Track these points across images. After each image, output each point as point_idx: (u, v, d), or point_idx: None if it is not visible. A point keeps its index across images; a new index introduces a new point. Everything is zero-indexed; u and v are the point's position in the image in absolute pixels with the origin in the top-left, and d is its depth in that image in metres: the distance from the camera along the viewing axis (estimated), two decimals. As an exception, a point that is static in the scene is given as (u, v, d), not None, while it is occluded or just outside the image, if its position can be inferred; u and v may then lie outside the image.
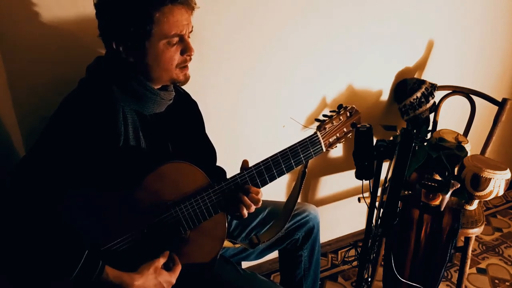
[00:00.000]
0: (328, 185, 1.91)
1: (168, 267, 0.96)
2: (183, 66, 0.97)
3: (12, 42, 1.03)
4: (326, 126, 1.07)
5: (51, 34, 1.07)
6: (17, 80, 1.07)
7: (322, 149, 1.07)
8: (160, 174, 0.94)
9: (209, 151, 1.21)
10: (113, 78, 0.93)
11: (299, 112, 1.64)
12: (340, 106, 1.12)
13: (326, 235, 2.06)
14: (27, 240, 0.82)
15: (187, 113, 1.15)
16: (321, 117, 1.10)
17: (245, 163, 1.03)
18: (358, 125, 1.10)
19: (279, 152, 1.03)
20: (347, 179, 1.92)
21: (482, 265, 1.99)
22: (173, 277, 0.95)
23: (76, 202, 0.88)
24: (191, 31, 0.96)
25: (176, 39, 0.92)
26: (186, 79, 0.99)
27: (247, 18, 1.36)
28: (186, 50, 0.95)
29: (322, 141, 1.07)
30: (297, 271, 1.39)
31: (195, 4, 0.94)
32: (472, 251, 1.93)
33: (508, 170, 1.41)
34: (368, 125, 1.07)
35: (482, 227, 1.49)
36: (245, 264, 1.59)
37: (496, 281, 1.89)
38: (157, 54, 0.91)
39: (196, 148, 1.13)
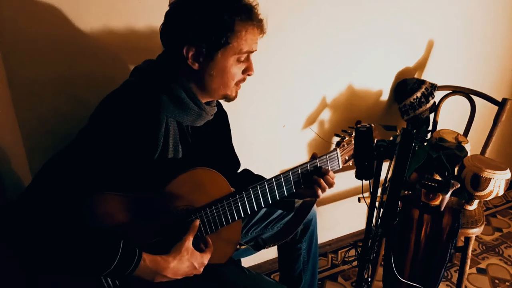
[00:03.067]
0: (328, 185, 1.91)
1: (200, 249, 0.97)
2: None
3: (12, 42, 1.03)
4: (344, 143, 1.09)
5: (51, 34, 1.07)
6: (17, 80, 1.07)
7: (339, 166, 1.09)
8: (185, 179, 0.94)
9: (234, 161, 1.23)
10: (163, 86, 0.93)
11: (299, 112, 1.64)
12: (358, 123, 1.13)
13: (326, 235, 2.06)
14: (64, 237, 0.80)
15: (220, 124, 1.16)
16: (333, 130, 1.12)
17: (315, 154, 1.09)
18: (358, 125, 1.10)
19: (299, 166, 1.04)
20: (347, 179, 1.92)
21: (482, 265, 1.99)
22: (205, 258, 0.95)
23: (103, 204, 0.87)
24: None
25: (244, 57, 0.95)
26: (236, 96, 1.02)
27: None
28: (248, 69, 0.98)
29: (340, 158, 1.08)
30: (296, 265, 1.40)
31: (266, 31, 0.98)
32: (472, 251, 1.93)
33: (508, 170, 1.41)
34: (368, 125, 1.06)
35: (482, 227, 1.49)
36: (245, 264, 1.59)
37: (496, 281, 1.89)
38: (224, 67, 0.93)
39: (222, 158, 1.14)
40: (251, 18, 0.92)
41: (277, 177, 1.02)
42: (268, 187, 1.01)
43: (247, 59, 0.98)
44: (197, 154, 1.03)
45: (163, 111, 0.93)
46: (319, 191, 1.05)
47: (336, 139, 1.13)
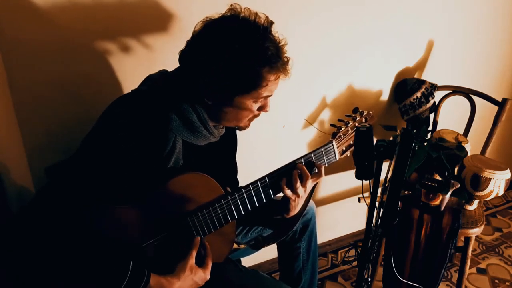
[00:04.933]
0: (328, 185, 1.91)
1: (200, 258, 0.96)
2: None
3: (12, 42, 1.03)
4: (341, 134, 1.06)
5: (51, 34, 1.07)
6: (17, 80, 1.07)
7: (335, 158, 1.07)
8: (176, 184, 0.93)
9: (232, 181, 1.21)
10: (175, 105, 0.90)
11: (299, 112, 1.64)
12: (355, 110, 1.11)
13: (326, 235, 2.06)
14: (73, 257, 0.79)
15: (226, 141, 1.13)
16: (332, 121, 1.09)
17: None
18: (358, 125, 1.10)
19: (292, 162, 1.02)
20: (347, 179, 1.92)
21: (482, 265, 1.99)
22: (207, 274, 0.95)
23: (99, 213, 0.86)
24: None
25: (262, 99, 0.93)
26: (249, 126, 1.01)
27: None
28: (263, 107, 0.97)
29: (336, 150, 1.06)
30: (296, 264, 1.40)
31: (290, 73, 0.95)
32: (472, 251, 1.93)
33: (508, 170, 1.41)
34: (368, 125, 1.06)
35: (482, 227, 1.49)
36: (245, 264, 1.59)
37: (496, 281, 1.89)
38: (240, 108, 0.92)
39: (221, 176, 1.13)
40: (275, 68, 0.88)
41: (270, 174, 1.01)
42: (261, 185, 1.00)
43: (265, 99, 0.95)
44: (199, 166, 1.02)
45: (172, 131, 0.91)
46: (285, 188, 0.98)
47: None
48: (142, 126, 0.87)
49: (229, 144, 1.18)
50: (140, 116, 0.87)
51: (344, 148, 1.08)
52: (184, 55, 0.92)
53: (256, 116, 0.99)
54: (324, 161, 1.05)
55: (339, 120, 1.10)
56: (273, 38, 0.89)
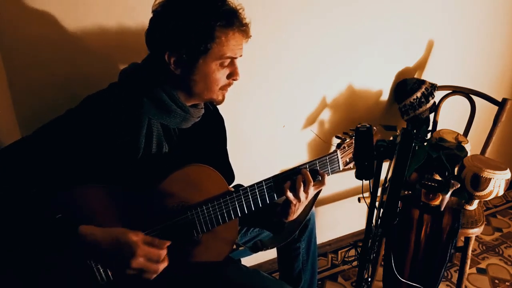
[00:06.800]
0: (328, 185, 1.90)
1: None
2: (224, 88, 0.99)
3: (12, 42, 1.03)
4: (345, 145, 1.08)
5: (51, 34, 1.07)
6: (17, 80, 1.07)
7: (339, 168, 1.09)
8: (181, 176, 0.94)
9: (227, 172, 1.21)
10: (146, 90, 0.93)
11: (299, 112, 1.64)
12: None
13: (326, 235, 2.06)
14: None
15: (212, 129, 1.15)
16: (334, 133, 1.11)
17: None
18: (358, 125, 1.10)
19: (297, 167, 1.03)
20: (347, 179, 1.92)
21: (482, 265, 1.99)
22: (160, 263, 0.83)
23: (92, 198, 0.87)
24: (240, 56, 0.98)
25: (227, 62, 0.95)
26: (223, 99, 1.01)
27: (247, 18, 1.35)
28: (233, 74, 0.98)
29: (340, 160, 1.07)
30: (296, 264, 1.40)
31: (251, 35, 0.97)
32: (472, 251, 1.93)
33: (508, 170, 1.41)
34: (368, 125, 1.06)
35: (482, 227, 1.49)
36: (245, 264, 1.59)
37: (496, 281, 1.89)
38: (207, 72, 0.93)
39: (214, 164, 1.13)
40: (232, 23, 0.91)
41: (275, 176, 1.01)
42: (265, 185, 1.00)
43: (232, 64, 0.97)
44: (185, 155, 1.02)
45: (145, 114, 0.93)
46: (287, 190, 0.99)
47: (336, 141, 1.13)
48: (115, 114, 0.91)
49: (216, 131, 1.18)
50: (113, 105, 0.91)
51: (347, 160, 1.11)
52: (148, 33, 0.95)
53: (227, 85, 0.99)
54: (328, 170, 1.07)
55: (344, 133, 1.13)
56: (228, 2, 0.93)
